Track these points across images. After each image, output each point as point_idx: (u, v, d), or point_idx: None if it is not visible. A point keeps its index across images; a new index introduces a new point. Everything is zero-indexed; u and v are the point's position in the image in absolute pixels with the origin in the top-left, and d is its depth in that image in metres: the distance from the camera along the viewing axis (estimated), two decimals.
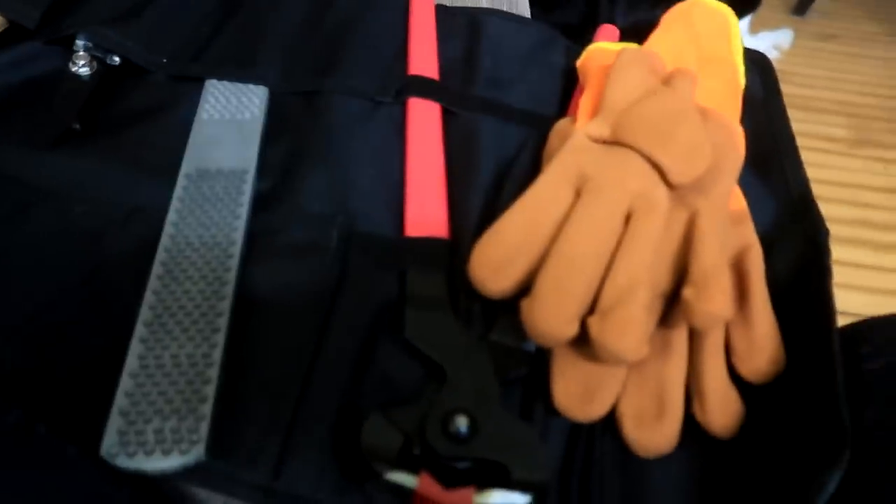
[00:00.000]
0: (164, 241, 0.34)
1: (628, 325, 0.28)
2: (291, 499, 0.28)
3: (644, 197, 0.33)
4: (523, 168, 0.41)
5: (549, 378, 0.31)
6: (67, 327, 0.31)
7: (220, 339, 0.31)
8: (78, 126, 0.40)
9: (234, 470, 0.28)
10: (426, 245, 0.36)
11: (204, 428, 0.28)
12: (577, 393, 0.30)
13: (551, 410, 0.31)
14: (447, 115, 0.43)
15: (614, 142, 0.35)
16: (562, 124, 0.40)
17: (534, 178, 0.39)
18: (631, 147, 0.34)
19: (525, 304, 0.29)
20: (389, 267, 0.35)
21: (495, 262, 0.32)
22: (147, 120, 0.41)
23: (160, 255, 0.34)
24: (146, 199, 0.37)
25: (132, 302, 0.32)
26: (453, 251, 0.36)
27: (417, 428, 0.29)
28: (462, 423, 0.29)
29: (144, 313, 0.31)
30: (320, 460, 0.29)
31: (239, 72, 0.44)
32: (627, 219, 0.33)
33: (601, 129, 0.36)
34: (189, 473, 0.27)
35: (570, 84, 0.48)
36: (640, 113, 0.36)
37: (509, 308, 0.33)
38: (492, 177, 0.40)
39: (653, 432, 0.29)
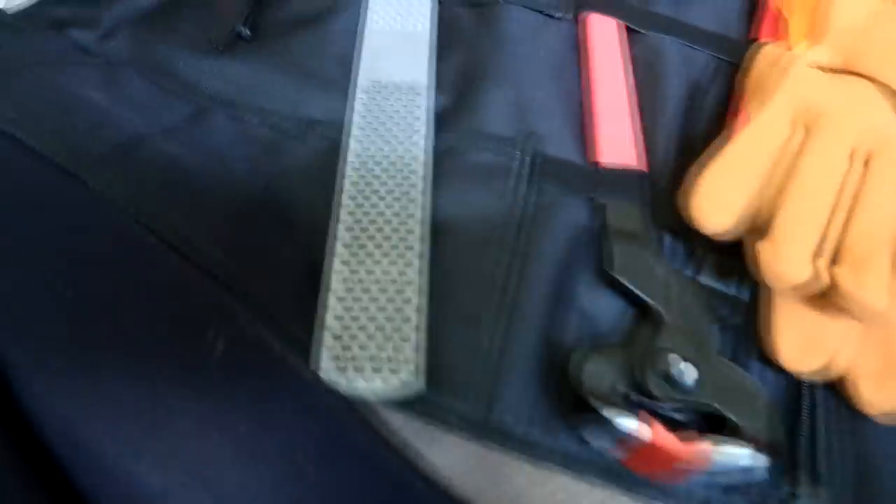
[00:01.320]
0: (351, 158, 0.33)
1: (882, 279, 0.26)
2: (502, 436, 0.27)
3: (886, 135, 0.29)
4: (716, 97, 0.37)
5: (763, 327, 0.29)
6: (258, 236, 0.30)
7: (417, 260, 0.29)
8: (247, 32, 0.38)
9: (447, 400, 0.27)
10: (622, 175, 0.33)
11: (413, 352, 0.27)
12: (800, 344, 0.28)
13: (765, 362, 0.29)
14: (628, 34, 0.40)
15: (846, 71, 0.31)
16: (771, 50, 0.36)
17: (728, 109, 0.36)
18: (868, 77, 0.31)
19: (763, 245, 0.27)
20: (580, 196, 0.33)
21: (718, 197, 0.29)
22: (311, 27, 0.39)
23: (349, 172, 0.32)
24: (321, 112, 0.35)
25: (319, 217, 0.31)
26: (650, 184, 0.33)
27: (632, 371, 0.27)
28: (685, 369, 0.27)
29: (342, 234, 0.30)
30: (531, 398, 0.28)
31: None
32: (864, 159, 0.29)
33: (829, 56, 0.32)
34: (407, 403, 0.26)
35: (749, 2, 0.43)
36: (879, 37, 0.31)
37: (714, 249, 0.31)
38: (682, 105, 0.37)
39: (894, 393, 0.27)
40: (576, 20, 0.40)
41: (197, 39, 0.37)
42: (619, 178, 0.33)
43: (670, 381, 0.27)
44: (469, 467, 0.27)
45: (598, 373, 0.27)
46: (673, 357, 0.27)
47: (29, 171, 0.28)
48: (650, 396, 0.27)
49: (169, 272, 0.25)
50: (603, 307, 0.30)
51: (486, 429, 0.27)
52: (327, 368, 0.26)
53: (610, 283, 0.30)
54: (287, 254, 0.30)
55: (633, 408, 0.27)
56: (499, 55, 0.37)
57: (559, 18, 0.40)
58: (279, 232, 0.31)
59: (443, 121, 0.35)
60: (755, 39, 0.39)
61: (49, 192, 0.27)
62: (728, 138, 0.31)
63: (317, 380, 0.25)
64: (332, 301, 0.28)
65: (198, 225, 0.28)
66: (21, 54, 0.33)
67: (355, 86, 0.36)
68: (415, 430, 0.27)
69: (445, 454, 0.27)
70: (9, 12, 0.36)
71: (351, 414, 0.25)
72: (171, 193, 0.30)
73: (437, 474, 0.26)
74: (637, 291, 0.30)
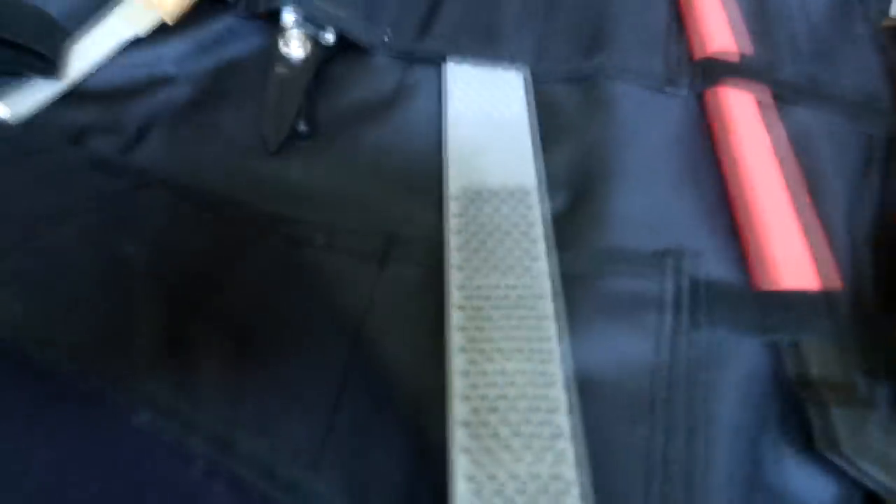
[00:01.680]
0: (456, 297, 0.25)
1: None
2: None
3: None
4: (878, 185, 0.30)
5: None
6: (353, 426, 0.23)
7: (567, 448, 0.22)
8: (305, 128, 0.31)
9: None
10: (810, 302, 0.26)
11: None
12: None
13: None
14: (762, 110, 0.33)
15: None
16: None
17: None
18: None
19: None
20: (750, 332, 0.26)
21: None
22: (381, 117, 0.32)
23: (455, 317, 0.25)
24: (404, 225, 0.28)
25: (415, 376, 0.24)
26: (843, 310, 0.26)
27: None
28: None
29: (458, 409, 0.23)
30: None
31: (484, 48, 0.34)
32: None
33: None
34: None
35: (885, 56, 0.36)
36: None
37: None
38: (852, 198, 0.30)
39: None
40: (700, 96, 0.33)
41: (244, 141, 0.30)
42: (797, 307, 0.26)
43: None
44: None
45: None
46: None
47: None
48: None
49: None
50: (803, 487, 0.23)
51: None
52: None
53: (814, 456, 0.23)
54: (390, 443, 0.22)
55: None
56: (619, 147, 0.30)
57: (673, 95, 0.33)
58: (375, 411, 0.23)
59: (558, 235, 0.28)
60: None
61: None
62: None
63: None
64: None
65: (275, 440, 0.21)
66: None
67: (445, 195, 0.29)
68: None
69: None
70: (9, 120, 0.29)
71: None
72: (234, 387, 0.22)
73: None
74: (852, 472, 0.22)
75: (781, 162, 0.30)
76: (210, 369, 0.22)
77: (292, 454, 0.20)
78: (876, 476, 0.22)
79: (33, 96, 0.30)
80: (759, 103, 0.32)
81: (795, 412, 0.24)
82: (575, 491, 0.21)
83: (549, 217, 0.28)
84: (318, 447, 0.21)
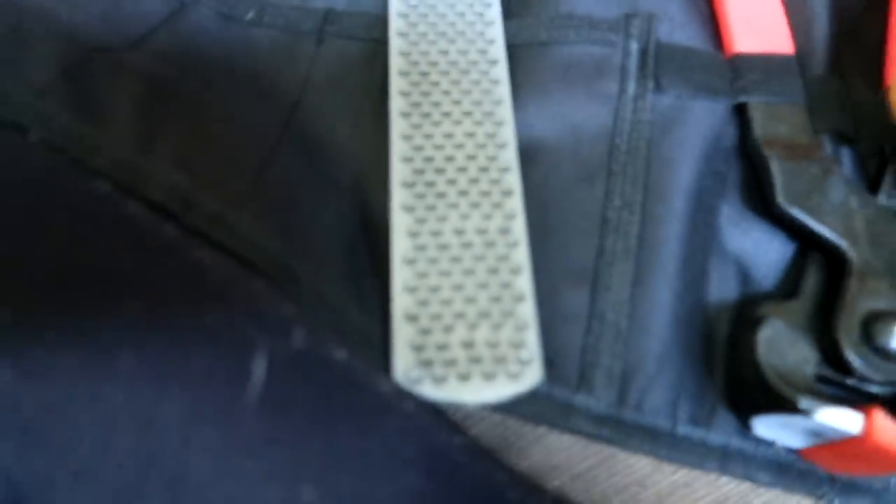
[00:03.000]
0: (396, 61, 0.23)
1: None
2: (640, 433, 0.20)
3: None
4: None
5: None
6: (283, 186, 0.21)
7: (517, 204, 0.21)
8: None
9: (563, 393, 0.20)
10: (769, 64, 0.24)
11: (533, 340, 0.19)
12: None
13: None
14: None
15: None
16: None
17: None
18: None
19: None
20: (716, 95, 0.24)
21: None
22: None
23: (396, 81, 0.23)
24: (341, 1, 0.26)
25: (361, 150, 0.22)
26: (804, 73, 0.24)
27: (826, 340, 0.20)
28: None
29: (399, 169, 0.21)
30: (672, 379, 0.20)
31: None
32: None
33: None
34: (516, 404, 0.19)
35: None
36: None
37: None
38: None
39: None
40: None
41: None
42: (766, 69, 0.24)
43: (880, 350, 0.19)
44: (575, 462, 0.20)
45: (777, 345, 0.20)
46: (875, 317, 0.19)
47: None
48: (851, 371, 0.19)
49: (163, 255, 0.16)
50: (757, 248, 0.22)
51: (616, 426, 0.19)
52: (406, 364, 0.18)
53: (765, 214, 0.22)
54: (328, 208, 0.21)
55: (833, 392, 0.20)
56: None
57: None
58: (310, 178, 0.22)
59: (515, 3, 0.26)
60: None
61: None
62: None
63: (398, 395, 0.17)
64: (395, 264, 0.19)
65: (197, 178, 0.19)
66: None
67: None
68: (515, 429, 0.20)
69: (551, 454, 0.20)
70: None
71: (443, 426, 0.18)
72: (149, 131, 0.20)
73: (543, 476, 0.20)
74: (813, 224, 0.21)
75: None
76: (119, 106, 0.20)
77: (213, 189, 0.19)
78: (834, 229, 0.21)
79: None
80: None
81: (758, 173, 0.23)
82: (524, 246, 0.20)
83: None
84: (243, 189, 0.20)
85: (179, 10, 0.24)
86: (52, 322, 0.13)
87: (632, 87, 0.24)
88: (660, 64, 0.24)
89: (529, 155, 0.22)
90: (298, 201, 0.20)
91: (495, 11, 0.24)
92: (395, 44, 0.23)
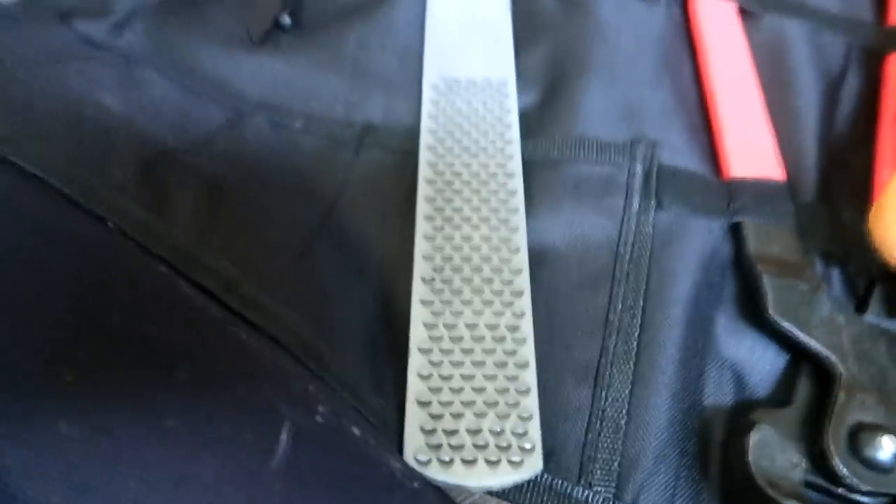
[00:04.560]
0: (424, 171, 0.26)
1: None
2: None
3: None
4: (855, 89, 0.31)
5: None
6: (315, 274, 0.24)
7: (526, 305, 0.23)
8: (288, 21, 0.31)
9: (561, 484, 0.21)
10: (762, 189, 0.27)
11: (535, 431, 0.20)
12: None
13: None
14: (743, 17, 0.33)
15: None
16: None
17: (873, 104, 0.30)
18: None
19: None
20: (713, 215, 0.26)
21: None
22: (365, 15, 0.32)
23: (423, 188, 0.26)
24: (381, 115, 0.29)
25: (389, 248, 0.25)
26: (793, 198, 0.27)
27: (813, 447, 0.21)
28: (886, 444, 0.20)
29: (420, 266, 0.23)
30: (668, 478, 0.21)
31: None
32: None
33: None
34: (518, 492, 0.20)
35: None
36: None
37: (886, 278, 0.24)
38: (818, 100, 0.30)
39: None
40: (682, 3, 0.34)
41: (229, 31, 0.31)
42: (758, 193, 0.27)
43: (867, 461, 0.20)
44: None
45: (767, 450, 0.21)
46: (864, 429, 0.20)
47: (30, 205, 0.21)
48: (839, 480, 0.20)
49: (209, 332, 0.18)
50: (750, 356, 0.24)
51: None
52: (415, 446, 0.19)
53: (759, 325, 0.24)
54: (355, 298, 0.23)
55: (820, 499, 0.20)
56: (596, 45, 0.31)
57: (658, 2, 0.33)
58: (341, 269, 0.24)
59: (532, 123, 0.29)
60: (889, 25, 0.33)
61: (56, 231, 0.20)
62: None
63: (407, 474, 0.18)
64: (412, 353, 0.21)
65: (240, 265, 0.22)
66: (17, 51, 0.27)
67: (423, 84, 0.29)
68: None
69: None
70: (6, 3, 0.30)
71: None
72: (204, 224, 0.23)
73: None
74: (801, 337, 0.23)
75: (758, 65, 0.30)
76: (183, 201, 0.23)
77: (253, 275, 0.21)
78: (822, 342, 0.23)
79: None
80: (742, 11, 0.33)
81: (751, 287, 0.24)
82: (530, 342, 0.22)
83: (517, 106, 0.28)
84: (280, 277, 0.22)
85: (238, 119, 0.28)
86: (113, 384, 0.15)
87: (636, 203, 0.26)
88: (661, 185, 0.27)
89: (539, 260, 0.25)
90: (328, 290, 0.22)
91: (514, 132, 0.27)
92: (424, 156, 0.26)
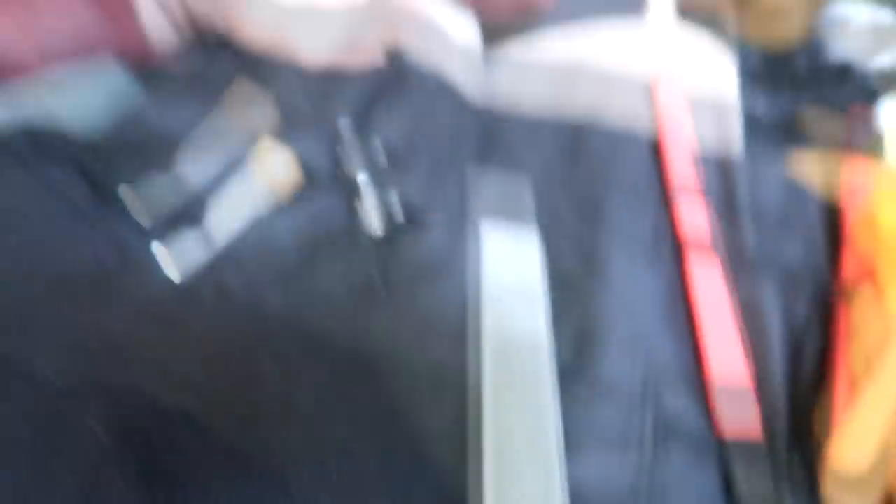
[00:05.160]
0: (489, 427, 0.35)
1: None
2: None
3: None
4: (815, 342, 0.40)
5: None
6: None
7: None
8: (383, 286, 0.42)
9: None
10: (748, 450, 0.36)
11: None
12: None
13: None
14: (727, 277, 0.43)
15: None
16: (868, 298, 0.40)
17: (828, 353, 0.39)
18: None
19: None
20: (710, 465, 0.35)
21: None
22: (434, 274, 0.43)
23: (489, 440, 0.35)
24: (447, 359, 0.38)
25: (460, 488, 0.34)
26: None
27: None
28: None
29: None
30: None
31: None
32: None
33: None
34: None
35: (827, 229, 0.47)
36: None
37: None
38: (786, 355, 0.40)
39: None
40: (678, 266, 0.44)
41: (332, 290, 0.41)
42: (746, 453, 0.35)
43: None
44: None
45: None
46: None
47: None
48: None
49: None
50: None
51: None
52: None
53: None
54: None
55: None
56: (612, 303, 0.41)
57: (658, 263, 0.44)
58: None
59: (560, 377, 0.38)
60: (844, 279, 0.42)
61: None
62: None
63: None
64: None
65: None
66: None
67: (485, 344, 0.39)
68: None
69: None
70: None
71: None
72: None
73: None
74: None
75: (740, 323, 0.40)
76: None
77: None
78: None
79: (189, 259, 0.42)
80: (725, 272, 0.43)
81: None
82: None
83: (552, 371, 0.38)
84: None
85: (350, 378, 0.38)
86: None
87: (647, 455, 0.35)
88: (668, 438, 0.36)
89: (573, 496, 0.33)
90: None
91: (549, 398, 0.37)
92: (489, 413, 0.36)
